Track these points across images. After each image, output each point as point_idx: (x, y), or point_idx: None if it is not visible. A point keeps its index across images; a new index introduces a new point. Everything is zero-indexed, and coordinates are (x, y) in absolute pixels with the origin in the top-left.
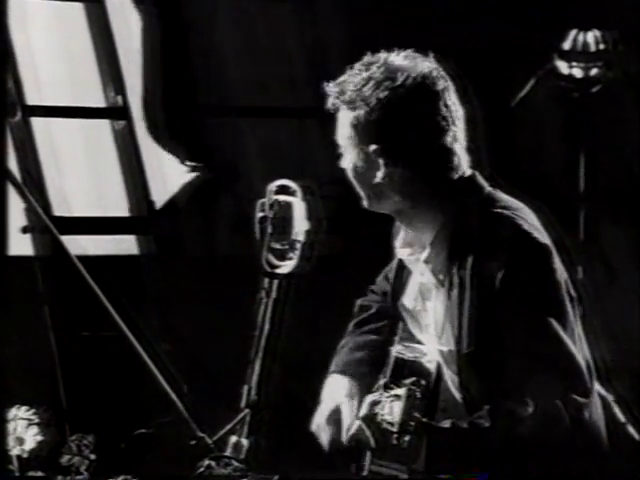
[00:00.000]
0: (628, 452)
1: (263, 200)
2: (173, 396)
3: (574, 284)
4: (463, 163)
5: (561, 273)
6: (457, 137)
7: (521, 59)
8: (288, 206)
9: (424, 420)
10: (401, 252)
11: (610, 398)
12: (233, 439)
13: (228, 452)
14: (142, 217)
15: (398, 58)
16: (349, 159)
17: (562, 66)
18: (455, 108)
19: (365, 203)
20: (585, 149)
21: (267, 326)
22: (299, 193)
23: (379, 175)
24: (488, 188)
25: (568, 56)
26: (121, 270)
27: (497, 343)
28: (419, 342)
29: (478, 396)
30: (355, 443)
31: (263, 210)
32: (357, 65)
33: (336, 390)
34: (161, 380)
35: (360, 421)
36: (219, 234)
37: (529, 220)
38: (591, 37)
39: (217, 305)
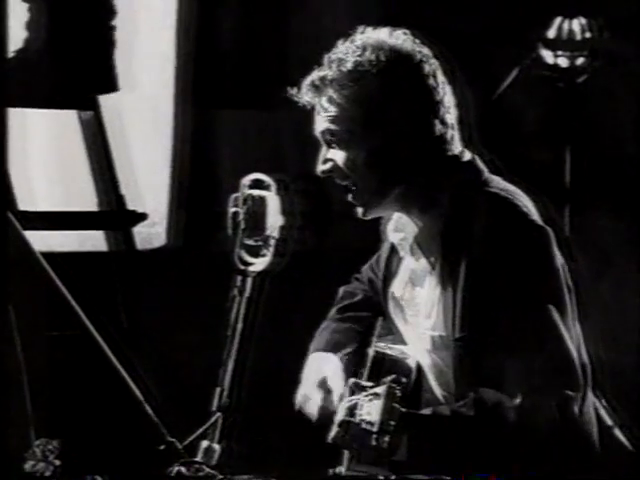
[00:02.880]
0: (614, 457)
1: (236, 194)
2: (142, 398)
3: (571, 274)
4: (455, 142)
5: (559, 259)
6: (446, 119)
7: (504, 48)
8: (262, 201)
9: (404, 410)
10: (393, 236)
11: (597, 401)
12: (204, 444)
13: (199, 457)
14: (111, 212)
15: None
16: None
17: (547, 55)
18: (443, 90)
19: (360, 212)
20: (571, 141)
21: (240, 326)
22: (273, 187)
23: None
24: (487, 173)
25: (553, 45)
26: (89, 267)
27: (490, 330)
28: (401, 342)
29: (463, 389)
30: (336, 445)
31: (236, 205)
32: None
33: (321, 364)
34: (129, 382)
35: (338, 426)
36: (191, 230)
37: (526, 203)
38: (577, 25)
39: (188, 304)
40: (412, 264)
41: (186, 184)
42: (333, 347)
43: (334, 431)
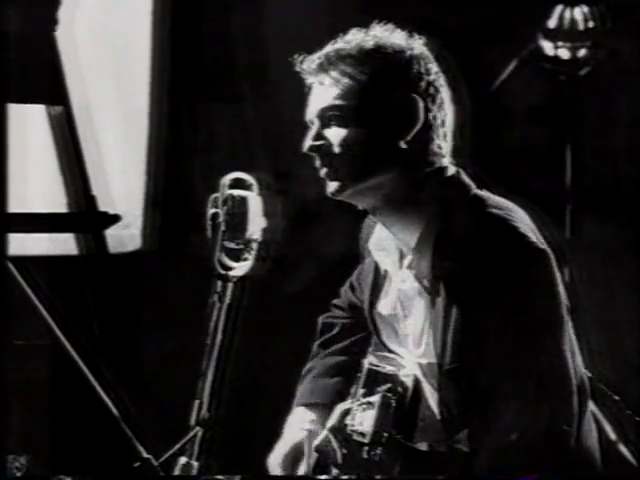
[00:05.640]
0: (620, 473)
1: (216, 195)
2: (115, 412)
3: (567, 291)
4: (444, 156)
5: (560, 281)
6: (442, 132)
7: (502, 39)
8: (243, 201)
9: (400, 439)
10: (377, 254)
11: (601, 415)
12: (182, 460)
13: (176, 474)
14: (81, 214)
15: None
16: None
17: (547, 46)
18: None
19: (333, 187)
20: (572, 137)
21: (220, 334)
22: (255, 187)
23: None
24: (475, 189)
25: (554, 35)
26: (58, 272)
27: (485, 360)
28: (395, 352)
29: (459, 415)
30: (320, 456)
31: (215, 206)
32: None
33: (299, 425)
34: (102, 394)
35: (327, 431)
36: (167, 232)
37: (524, 221)
38: (579, 14)
39: (164, 311)
40: (399, 284)
41: (161, 183)
42: (318, 396)
43: (320, 439)
